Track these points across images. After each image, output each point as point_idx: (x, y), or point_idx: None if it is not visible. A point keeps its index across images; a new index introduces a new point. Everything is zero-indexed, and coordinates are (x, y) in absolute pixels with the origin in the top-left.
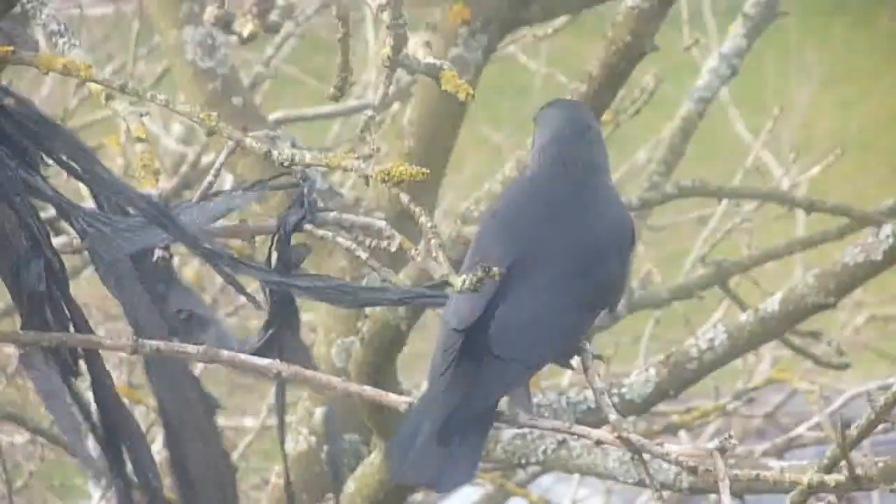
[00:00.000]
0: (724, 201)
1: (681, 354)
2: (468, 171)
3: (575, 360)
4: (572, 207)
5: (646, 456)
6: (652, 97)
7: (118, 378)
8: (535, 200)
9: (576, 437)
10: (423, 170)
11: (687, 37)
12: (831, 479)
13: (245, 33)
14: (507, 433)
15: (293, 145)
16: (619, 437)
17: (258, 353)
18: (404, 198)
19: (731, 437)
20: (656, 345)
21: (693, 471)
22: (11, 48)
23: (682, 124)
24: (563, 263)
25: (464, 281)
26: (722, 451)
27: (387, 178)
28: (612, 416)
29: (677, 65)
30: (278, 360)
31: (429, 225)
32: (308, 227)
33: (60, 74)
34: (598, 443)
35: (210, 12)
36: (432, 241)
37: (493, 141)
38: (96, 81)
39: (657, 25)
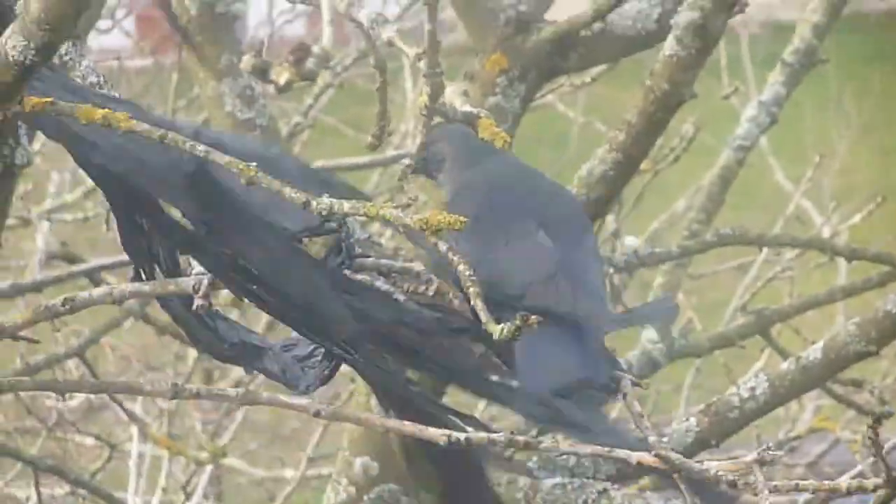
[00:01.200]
0: (765, 249)
1: (722, 403)
2: None
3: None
4: (535, 178)
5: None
6: (691, 145)
7: (158, 428)
8: (501, 181)
9: (615, 460)
10: (461, 218)
11: (726, 85)
12: (870, 483)
13: (281, 82)
14: (547, 483)
15: (332, 195)
16: (657, 456)
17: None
18: (442, 246)
19: (769, 447)
20: (697, 394)
21: (733, 485)
22: (50, 99)
23: (721, 172)
24: (572, 224)
25: (502, 329)
26: (761, 463)
27: (425, 227)
28: (652, 438)
29: (716, 113)
30: (317, 400)
31: (467, 273)
32: (346, 272)
33: (100, 126)
34: (639, 465)
35: (247, 61)
36: (471, 289)
37: None
38: (136, 131)
39: (695, 73)
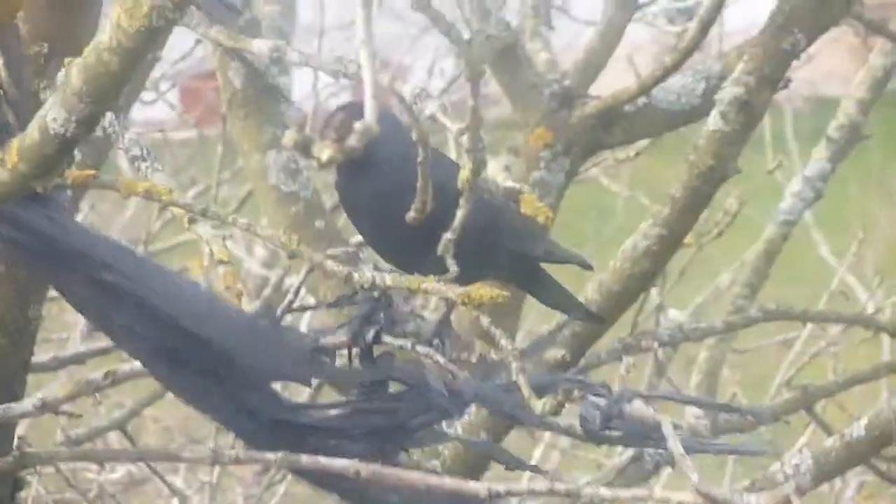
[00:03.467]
0: (809, 325)
1: (766, 480)
2: None
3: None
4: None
5: None
6: (735, 220)
7: (200, 501)
8: None
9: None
10: (504, 292)
11: (770, 159)
12: None
13: (324, 158)
14: None
15: (375, 268)
16: (699, 492)
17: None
18: (485, 320)
19: (806, 473)
20: (742, 470)
21: None
22: (93, 172)
23: (765, 247)
24: None
25: (544, 404)
26: (800, 492)
27: (467, 301)
28: (694, 476)
29: (760, 187)
30: (356, 461)
31: (510, 347)
32: (387, 338)
33: (142, 198)
34: None
35: (289, 136)
36: (514, 365)
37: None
38: (178, 205)
39: (740, 148)
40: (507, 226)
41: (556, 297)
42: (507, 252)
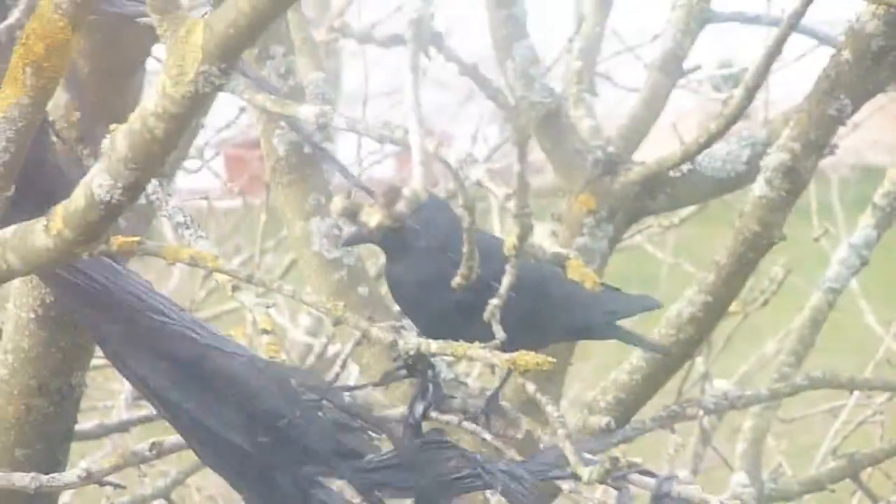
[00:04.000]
0: (856, 393)
1: None
2: (595, 360)
3: None
4: None
5: None
6: (781, 288)
7: None
8: None
9: None
10: (550, 359)
11: (816, 227)
12: None
13: (372, 224)
14: None
15: (419, 334)
16: None
17: None
18: (530, 387)
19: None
20: None
21: None
22: (137, 239)
23: (811, 315)
24: None
25: (591, 472)
26: None
27: (512, 368)
28: None
29: (806, 256)
30: None
31: (555, 414)
32: (434, 413)
33: (187, 265)
34: None
35: (336, 203)
36: (559, 432)
37: None
38: (223, 272)
39: (785, 215)
40: (559, 293)
41: (630, 340)
42: (562, 323)
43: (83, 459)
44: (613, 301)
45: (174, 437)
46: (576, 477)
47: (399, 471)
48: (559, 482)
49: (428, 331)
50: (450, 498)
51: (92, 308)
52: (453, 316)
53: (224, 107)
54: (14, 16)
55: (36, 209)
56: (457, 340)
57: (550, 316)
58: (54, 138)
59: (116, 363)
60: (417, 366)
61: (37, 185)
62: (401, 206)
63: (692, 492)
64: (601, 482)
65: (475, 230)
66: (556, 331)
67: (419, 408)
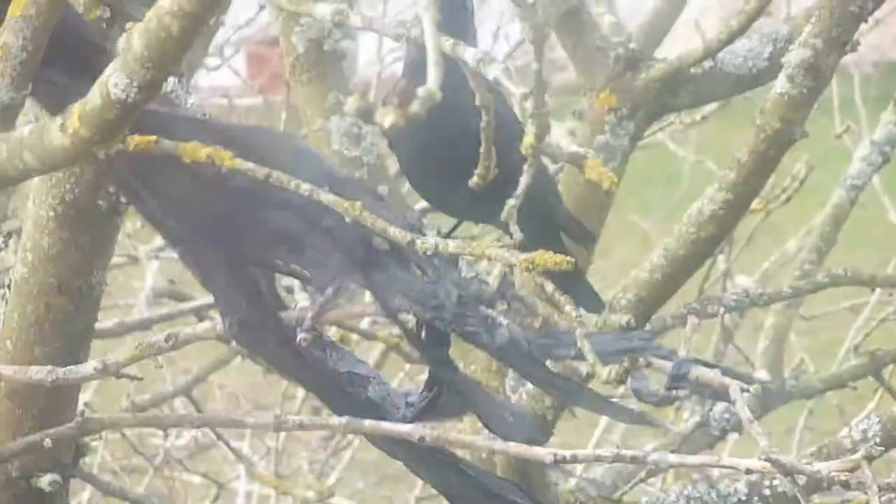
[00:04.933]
0: (878, 290)
1: (834, 446)
2: (615, 258)
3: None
4: None
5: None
6: (803, 185)
7: (266, 467)
8: None
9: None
10: (569, 258)
11: (838, 124)
12: None
13: (386, 124)
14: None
15: (438, 234)
16: (768, 460)
17: (419, 414)
18: (549, 286)
19: (877, 444)
20: (810, 436)
21: (846, 484)
22: (154, 138)
23: (833, 212)
24: None
25: (610, 372)
26: (869, 458)
27: (531, 267)
28: (763, 442)
29: (828, 153)
30: (420, 426)
31: (574, 314)
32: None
33: (205, 163)
34: (748, 471)
35: (351, 103)
36: (577, 331)
37: (642, 228)
38: (240, 170)
39: (807, 112)
40: (549, 189)
41: (578, 288)
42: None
43: (105, 357)
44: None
45: (190, 329)
46: (593, 374)
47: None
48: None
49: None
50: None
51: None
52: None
53: (245, 4)
54: None
55: (70, 71)
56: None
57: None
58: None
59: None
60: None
61: (71, 49)
62: (415, 106)
63: (711, 375)
64: (620, 382)
65: (493, 126)
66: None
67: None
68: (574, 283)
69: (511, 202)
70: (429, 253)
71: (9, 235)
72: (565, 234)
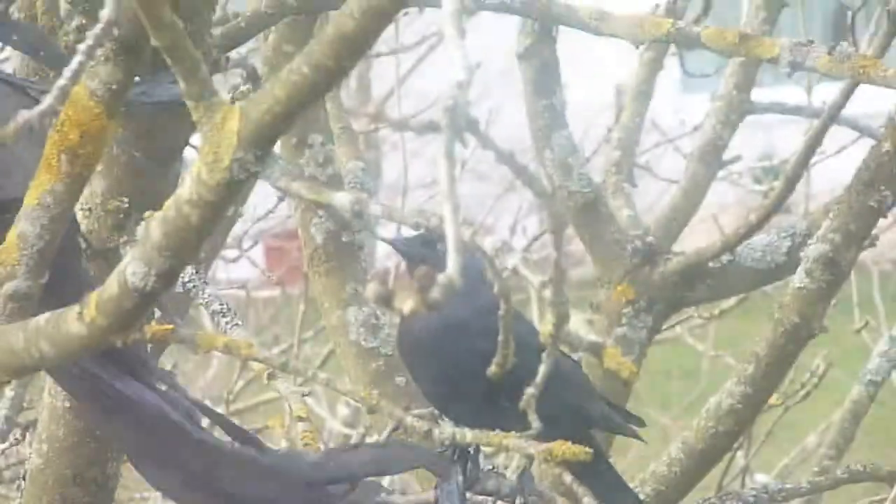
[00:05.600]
0: None
1: None
2: (634, 452)
3: None
4: None
5: None
6: (822, 382)
7: None
8: None
9: None
10: (587, 450)
11: (857, 319)
12: None
13: (406, 310)
14: None
15: (455, 424)
16: None
17: None
18: (567, 477)
19: None
20: None
21: None
22: (171, 327)
23: (852, 407)
24: None
25: None
26: None
27: (549, 458)
28: None
29: (847, 350)
30: None
31: (585, 499)
32: (468, 494)
33: (221, 353)
34: None
35: (371, 289)
36: None
37: (660, 423)
38: (257, 360)
39: (825, 306)
40: (570, 380)
41: (613, 489)
42: (569, 408)
43: None
44: (611, 412)
45: None
46: None
47: None
48: None
49: (438, 394)
50: None
51: (107, 414)
52: (480, 398)
53: (263, 197)
54: (47, 101)
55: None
56: (474, 410)
57: (566, 400)
58: (83, 243)
59: (135, 466)
60: (456, 448)
61: (63, 289)
62: (435, 293)
63: None
64: None
65: (512, 317)
66: (572, 416)
67: (453, 489)
68: (600, 476)
69: (530, 391)
70: (446, 442)
71: (26, 427)
72: (605, 431)
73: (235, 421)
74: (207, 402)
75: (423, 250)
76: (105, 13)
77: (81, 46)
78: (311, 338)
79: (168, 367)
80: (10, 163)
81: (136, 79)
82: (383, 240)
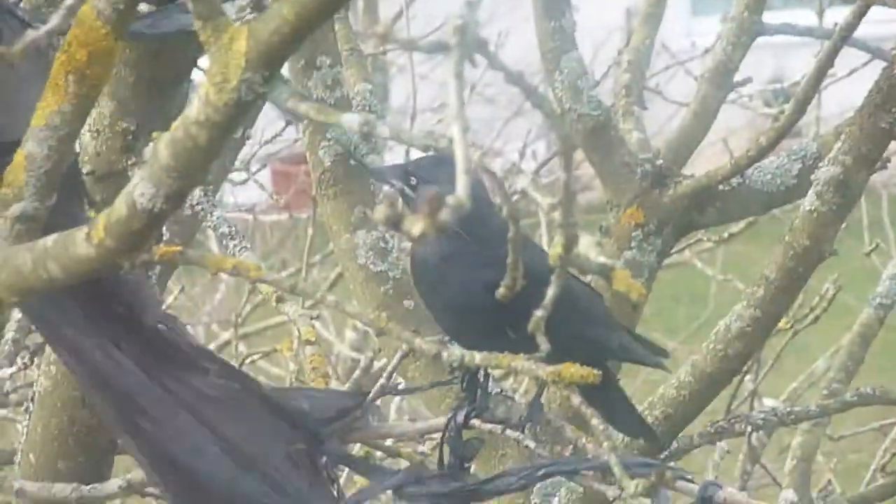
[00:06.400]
0: None
1: None
2: (642, 376)
3: None
4: None
5: None
6: (831, 305)
7: None
8: None
9: None
10: (596, 372)
11: (867, 244)
12: None
13: (415, 233)
14: None
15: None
16: None
17: None
18: (575, 399)
19: None
20: None
21: None
22: (179, 248)
23: (861, 331)
24: None
25: (637, 485)
26: None
27: (558, 380)
28: None
29: (857, 273)
30: None
31: (601, 427)
32: (476, 422)
33: (230, 275)
34: None
35: (379, 211)
36: (605, 444)
37: (668, 348)
38: (266, 282)
39: (836, 229)
40: (588, 310)
41: (622, 413)
42: (585, 339)
43: (128, 473)
44: (632, 342)
45: None
46: (621, 489)
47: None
48: (605, 489)
49: (448, 322)
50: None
51: (92, 389)
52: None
53: (271, 120)
54: (54, 20)
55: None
56: (489, 342)
57: (576, 325)
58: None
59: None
60: (466, 375)
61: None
62: (444, 215)
63: (739, 498)
64: (647, 496)
65: (521, 239)
66: (579, 342)
67: (461, 415)
68: (609, 399)
69: (538, 313)
70: (455, 365)
71: (34, 351)
72: (625, 362)
73: (242, 346)
74: (215, 326)
75: (434, 171)
76: None
77: None
78: (318, 262)
79: (175, 291)
80: (13, 105)
81: (143, 6)
82: (371, 171)
